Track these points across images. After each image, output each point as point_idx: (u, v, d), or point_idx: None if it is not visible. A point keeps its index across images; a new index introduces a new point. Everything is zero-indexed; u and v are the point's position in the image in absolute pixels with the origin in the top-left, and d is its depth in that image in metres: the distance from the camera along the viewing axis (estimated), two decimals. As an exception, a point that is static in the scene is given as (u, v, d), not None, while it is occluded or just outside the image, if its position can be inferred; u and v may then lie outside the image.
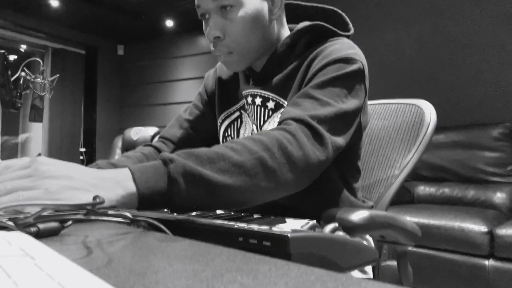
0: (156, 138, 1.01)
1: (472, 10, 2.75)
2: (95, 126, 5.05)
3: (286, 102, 0.82)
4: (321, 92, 0.71)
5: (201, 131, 0.99)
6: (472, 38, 2.74)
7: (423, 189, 2.59)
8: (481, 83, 2.69)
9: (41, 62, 4.99)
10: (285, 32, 0.87)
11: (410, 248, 0.82)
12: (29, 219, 0.38)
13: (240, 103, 0.92)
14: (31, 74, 4.64)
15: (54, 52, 5.11)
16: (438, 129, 2.63)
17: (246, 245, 0.38)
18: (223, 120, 0.94)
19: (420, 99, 1.00)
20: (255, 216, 0.64)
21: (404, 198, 2.54)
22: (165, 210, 0.69)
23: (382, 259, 1.95)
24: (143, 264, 0.27)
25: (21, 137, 5.52)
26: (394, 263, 0.87)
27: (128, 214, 0.43)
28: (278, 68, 0.84)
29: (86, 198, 0.46)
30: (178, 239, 0.36)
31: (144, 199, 0.51)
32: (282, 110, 0.81)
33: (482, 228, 1.90)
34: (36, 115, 4.93)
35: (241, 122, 0.92)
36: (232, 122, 0.93)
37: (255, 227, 0.40)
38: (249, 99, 0.87)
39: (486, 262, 1.88)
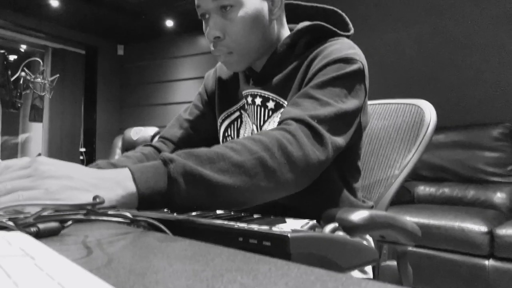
0: (156, 138, 1.01)
1: (472, 10, 2.75)
2: (95, 126, 5.05)
3: (286, 102, 0.82)
4: (321, 92, 0.71)
5: (201, 131, 0.99)
6: (472, 38, 2.74)
7: (423, 189, 2.59)
8: (481, 83, 2.69)
9: (41, 62, 4.99)
10: (285, 32, 0.87)
11: (410, 248, 0.82)
12: (29, 219, 0.38)
13: (240, 103, 0.92)
14: (31, 74, 4.64)
15: (54, 52, 5.12)
16: (438, 129, 2.63)
17: (246, 245, 0.38)
18: (223, 120, 0.94)
19: (420, 99, 1.00)
20: (255, 216, 0.64)
21: (404, 198, 2.54)
22: (165, 210, 0.69)
23: (382, 259, 1.95)
24: (143, 264, 0.27)
25: (21, 137, 5.52)
26: (394, 263, 0.87)
27: (128, 214, 0.43)
28: (278, 68, 0.84)
29: (86, 198, 0.46)
30: (178, 239, 0.36)
31: (144, 199, 0.51)
32: (282, 110, 0.81)
33: (482, 228, 1.90)
34: (36, 115, 4.93)
35: (241, 122, 0.92)
36: (232, 122, 0.93)
37: (255, 227, 0.40)
38: (249, 99, 0.87)
39: (486, 262, 1.88)
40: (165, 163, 0.53)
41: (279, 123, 0.69)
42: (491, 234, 1.88)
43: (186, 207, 0.54)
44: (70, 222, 0.41)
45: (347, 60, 0.75)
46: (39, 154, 4.98)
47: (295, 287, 0.21)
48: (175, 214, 0.57)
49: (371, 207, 0.89)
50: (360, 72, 0.75)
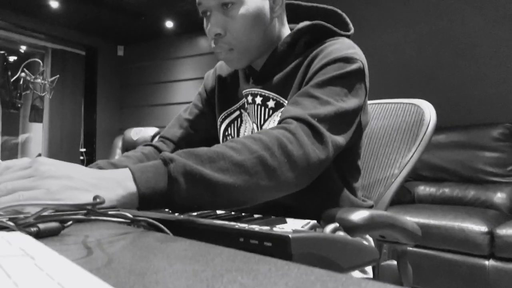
0: (156, 138, 1.01)
1: (472, 10, 2.75)
2: (95, 126, 5.05)
3: (286, 101, 0.82)
4: (321, 91, 0.71)
5: (201, 130, 1.00)
6: (472, 38, 2.74)
7: (423, 189, 2.59)
8: (481, 83, 2.69)
9: (41, 63, 4.99)
10: (286, 31, 0.87)
11: (410, 248, 0.82)
12: (29, 219, 0.38)
13: (240, 103, 0.92)
14: (31, 75, 4.65)
15: (54, 53, 5.12)
16: (438, 129, 2.62)
17: (247, 246, 0.38)
18: (223, 120, 0.95)
19: (419, 99, 1.00)
20: (256, 216, 0.64)
21: (404, 198, 2.54)
22: (166, 210, 0.69)
23: (382, 258, 1.95)
24: (143, 264, 0.27)
25: (21, 138, 5.52)
26: (394, 262, 0.87)
27: (128, 214, 0.43)
28: (278, 67, 0.84)
29: (86, 198, 0.46)
30: (178, 239, 0.36)
31: (145, 199, 0.51)
32: (282, 109, 0.82)
33: (482, 228, 1.90)
34: (36, 116, 4.93)
35: (241, 121, 0.92)
36: (232, 122, 0.93)
37: (256, 227, 0.40)
38: (249, 98, 0.88)
39: (486, 262, 1.88)
40: (165, 162, 0.53)
41: (279, 122, 0.69)
42: (491, 234, 1.88)
43: (186, 207, 0.54)
44: (70, 222, 0.41)
45: (347, 60, 0.75)
46: (39, 155, 4.98)
47: (295, 287, 0.21)
48: (175, 215, 0.57)
49: (371, 207, 0.89)
50: (360, 72, 0.75)
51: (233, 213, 0.69)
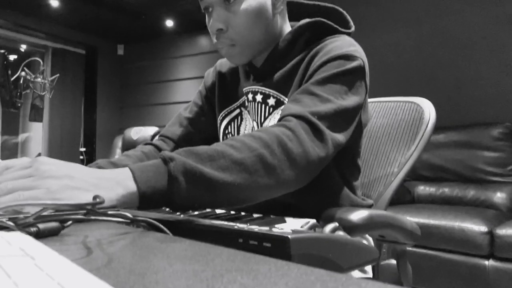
0: (157, 137, 1.01)
1: (472, 10, 2.75)
2: (95, 126, 5.05)
3: (286, 99, 0.82)
4: (321, 88, 0.71)
5: (201, 129, 1.00)
6: (472, 38, 2.74)
7: (423, 189, 2.59)
8: (481, 83, 2.69)
9: (41, 62, 4.99)
10: (287, 27, 0.88)
11: (410, 248, 0.82)
12: (29, 219, 0.38)
13: (240, 101, 0.92)
14: (31, 74, 4.64)
15: (54, 52, 5.12)
16: (438, 129, 2.61)
17: (246, 246, 0.38)
18: (223, 118, 0.95)
19: (419, 97, 1.00)
20: (255, 215, 0.64)
21: (404, 198, 2.54)
22: (167, 209, 0.69)
23: (382, 258, 1.95)
24: (143, 264, 0.27)
25: (21, 137, 5.52)
26: (393, 261, 0.87)
27: (128, 214, 0.43)
28: (278, 63, 0.84)
29: (86, 198, 0.46)
30: (178, 239, 0.36)
31: (145, 198, 0.51)
32: (282, 107, 0.82)
33: (482, 228, 1.90)
34: (36, 115, 4.93)
35: (241, 119, 0.92)
36: (232, 120, 0.93)
37: (255, 228, 0.40)
38: (250, 96, 0.88)
39: (486, 262, 1.88)
40: (165, 161, 0.53)
41: (279, 119, 0.69)
42: (491, 234, 1.88)
43: (187, 206, 0.54)
44: (70, 222, 0.41)
45: (348, 57, 0.75)
46: (39, 154, 4.98)
47: (295, 287, 0.21)
48: (175, 215, 0.57)
49: (371, 206, 0.89)
50: (360, 69, 0.75)
51: (232, 212, 0.69)
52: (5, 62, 4.09)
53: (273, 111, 0.84)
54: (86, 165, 0.69)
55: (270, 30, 0.83)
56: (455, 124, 2.63)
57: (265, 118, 0.85)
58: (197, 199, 0.54)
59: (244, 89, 0.90)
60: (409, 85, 2.96)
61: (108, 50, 5.15)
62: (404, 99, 1.03)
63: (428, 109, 0.95)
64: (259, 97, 0.86)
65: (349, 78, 0.74)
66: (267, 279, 0.23)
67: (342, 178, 0.84)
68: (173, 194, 0.52)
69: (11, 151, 5.38)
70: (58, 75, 4.93)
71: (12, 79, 4.35)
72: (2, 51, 4.02)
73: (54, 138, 5.02)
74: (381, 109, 1.06)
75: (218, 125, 0.96)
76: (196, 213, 0.66)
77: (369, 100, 1.09)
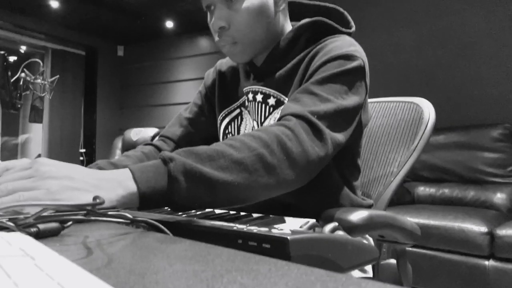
0: (157, 138, 1.01)
1: (472, 10, 2.75)
2: (95, 127, 5.05)
3: (287, 99, 0.82)
4: (321, 88, 0.71)
5: (201, 129, 1.00)
6: (472, 38, 2.74)
7: (423, 190, 2.59)
8: (481, 83, 2.69)
9: (41, 63, 4.99)
10: (288, 26, 0.88)
11: (410, 248, 0.82)
12: (29, 219, 0.38)
13: (241, 100, 0.92)
14: (31, 75, 4.64)
15: (54, 53, 5.12)
16: (438, 130, 2.61)
17: (245, 247, 0.38)
18: (224, 118, 0.95)
19: (418, 97, 1.00)
20: (255, 215, 0.64)
21: (404, 198, 2.54)
22: (166, 209, 0.69)
23: (382, 257, 1.95)
24: (143, 264, 0.27)
25: (21, 138, 5.52)
26: (393, 261, 0.87)
27: (128, 215, 0.43)
28: (279, 63, 0.85)
29: (86, 198, 0.46)
30: (178, 239, 0.36)
31: (145, 199, 0.51)
32: (282, 107, 0.82)
33: (482, 228, 1.90)
34: (36, 116, 4.93)
35: (242, 119, 0.92)
36: (232, 120, 0.93)
37: (254, 228, 0.39)
38: (250, 96, 0.88)
39: (486, 263, 1.88)
40: (165, 162, 0.53)
41: (279, 118, 0.69)
42: (491, 234, 1.88)
43: (187, 206, 0.54)
44: (70, 223, 0.41)
45: (348, 57, 0.75)
46: (39, 155, 4.98)
47: (295, 287, 0.21)
48: (175, 215, 0.57)
49: (371, 206, 0.89)
50: (360, 69, 0.75)
51: (232, 212, 0.69)
52: (5, 63, 4.09)
53: (273, 110, 0.84)
54: (86, 166, 0.69)
55: (272, 28, 0.83)
56: (455, 125, 2.63)
57: (265, 118, 0.85)
58: (197, 199, 0.54)
59: (244, 89, 0.90)
60: (409, 85, 2.96)
61: (108, 51, 5.16)
62: (403, 99, 1.03)
63: (428, 109, 0.95)
64: (259, 97, 0.86)
65: (349, 78, 0.74)
66: (267, 279, 0.23)
67: (342, 178, 0.84)
68: (173, 194, 0.52)
69: (11, 152, 5.38)
70: (58, 76, 4.93)
71: (12, 80, 4.35)
72: (2, 52, 4.02)
73: (54, 139, 5.02)
74: (381, 109, 1.06)
75: (218, 125, 0.96)
76: (195, 213, 0.66)
77: (369, 100, 1.09)
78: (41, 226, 0.37)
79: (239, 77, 0.94)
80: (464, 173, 2.48)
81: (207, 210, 0.70)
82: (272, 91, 0.84)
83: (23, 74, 4.58)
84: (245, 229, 0.39)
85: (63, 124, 5.09)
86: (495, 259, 1.87)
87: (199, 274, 0.24)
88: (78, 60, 5.18)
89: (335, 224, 0.55)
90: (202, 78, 1.07)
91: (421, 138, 0.93)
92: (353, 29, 0.87)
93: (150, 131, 3.53)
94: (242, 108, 0.92)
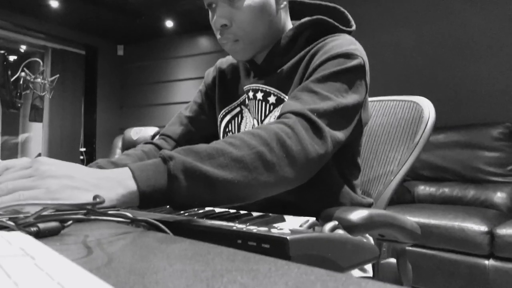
0: (157, 137, 1.02)
1: (472, 10, 2.75)
2: (95, 126, 5.05)
3: (287, 97, 0.82)
4: (321, 86, 0.71)
5: (201, 127, 1.00)
6: (472, 38, 2.74)
7: (423, 189, 2.59)
8: (481, 82, 2.69)
9: (41, 63, 4.99)
10: (289, 24, 0.88)
11: (410, 248, 0.82)
12: (29, 218, 0.38)
13: (241, 99, 0.92)
14: (31, 74, 4.65)
15: (54, 53, 5.11)
16: (438, 129, 2.61)
17: (245, 247, 0.38)
18: (224, 116, 0.95)
19: (418, 96, 1.00)
20: (255, 214, 0.64)
21: (404, 198, 2.54)
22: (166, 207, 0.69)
23: (382, 256, 1.95)
24: (143, 264, 0.27)
25: (21, 137, 5.52)
26: (393, 260, 0.87)
27: (128, 214, 0.43)
28: (279, 61, 0.85)
29: (86, 197, 0.46)
30: (178, 239, 0.36)
31: (145, 197, 0.51)
32: (282, 105, 0.82)
33: (482, 228, 1.90)
34: (36, 115, 4.93)
35: (242, 117, 0.92)
36: (233, 118, 0.93)
37: (254, 228, 0.39)
38: (250, 94, 0.88)
39: (486, 262, 1.88)
40: (164, 160, 0.53)
41: (279, 116, 0.69)
42: (491, 234, 1.88)
43: (187, 204, 0.54)
44: (70, 222, 0.41)
45: (348, 55, 0.75)
46: (39, 154, 4.98)
47: (295, 287, 0.21)
48: (175, 214, 0.57)
49: (371, 205, 0.89)
50: (360, 68, 0.76)
51: (232, 211, 0.69)
52: (5, 63, 4.09)
53: (273, 109, 0.84)
54: (86, 165, 0.69)
55: (274, 26, 0.83)
56: (455, 124, 2.63)
57: (266, 116, 0.85)
58: (197, 197, 0.54)
59: (244, 87, 0.90)
60: (409, 84, 2.96)
61: (108, 50, 5.15)
62: (403, 98, 1.03)
63: (428, 108, 0.95)
64: (259, 95, 0.86)
65: (349, 76, 0.74)
66: (267, 279, 0.23)
67: (342, 176, 0.84)
68: (173, 192, 0.52)
69: (11, 151, 5.38)
70: (58, 75, 4.93)
71: (12, 79, 4.35)
72: (2, 51, 4.02)
73: (54, 138, 5.02)
74: (381, 108, 1.06)
75: (219, 123, 0.96)
76: (195, 211, 0.66)
77: (369, 99, 1.09)
78: (41, 226, 0.37)
79: (239, 76, 0.94)
80: (464, 172, 2.48)
81: (207, 208, 0.70)
82: (272, 89, 0.84)
83: (23, 74, 4.58)
84: (244, 229, 0.39)
85: (63, 123, 5.09)
86: (495, 258, 1.87)
87: (199, 274, 0.24)
88: (78, 60, 5.18)
89: (335, 223, 0.55)
90: (202, 78, 1.07)
91: (421, 137, 0.93)
92: (354, 28, 0.87)
93: (150, 130, 3.53)
94: (243, 107, 0.92)
